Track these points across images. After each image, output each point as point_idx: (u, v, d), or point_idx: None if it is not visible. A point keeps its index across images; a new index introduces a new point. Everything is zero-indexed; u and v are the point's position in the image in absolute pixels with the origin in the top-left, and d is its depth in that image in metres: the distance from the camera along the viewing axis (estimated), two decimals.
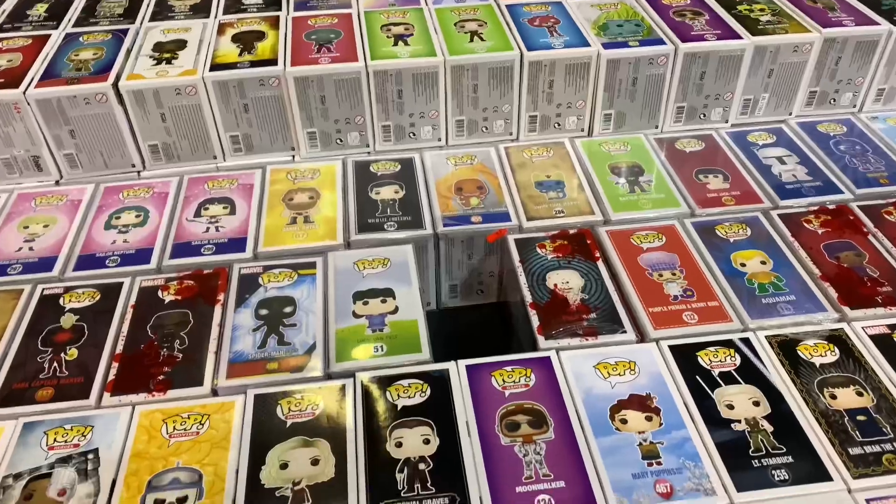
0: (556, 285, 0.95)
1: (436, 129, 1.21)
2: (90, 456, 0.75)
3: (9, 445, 0.76)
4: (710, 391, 0.81)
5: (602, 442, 0.76)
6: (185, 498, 0.71)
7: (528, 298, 0.92)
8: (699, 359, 0.85)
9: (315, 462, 0.74)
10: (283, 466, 0.74)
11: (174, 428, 0.77)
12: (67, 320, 0.90)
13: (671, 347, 0.86)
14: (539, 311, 0.91)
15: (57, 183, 1.15)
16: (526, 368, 0.83)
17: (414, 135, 1.21)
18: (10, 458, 0.75)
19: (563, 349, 0.86)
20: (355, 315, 0.91)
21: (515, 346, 1.03)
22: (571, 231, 1.04)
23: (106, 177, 1.15)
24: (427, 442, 0.76)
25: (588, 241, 1.02)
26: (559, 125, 1.24)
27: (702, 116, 1.27)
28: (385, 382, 0.82)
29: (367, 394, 0.81)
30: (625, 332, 0.88)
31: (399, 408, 0.79)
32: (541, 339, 0.87)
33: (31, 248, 1.00)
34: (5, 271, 0.96)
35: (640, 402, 0.80)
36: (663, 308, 0.92)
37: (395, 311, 0.91)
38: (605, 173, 1.16)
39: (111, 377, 0.83)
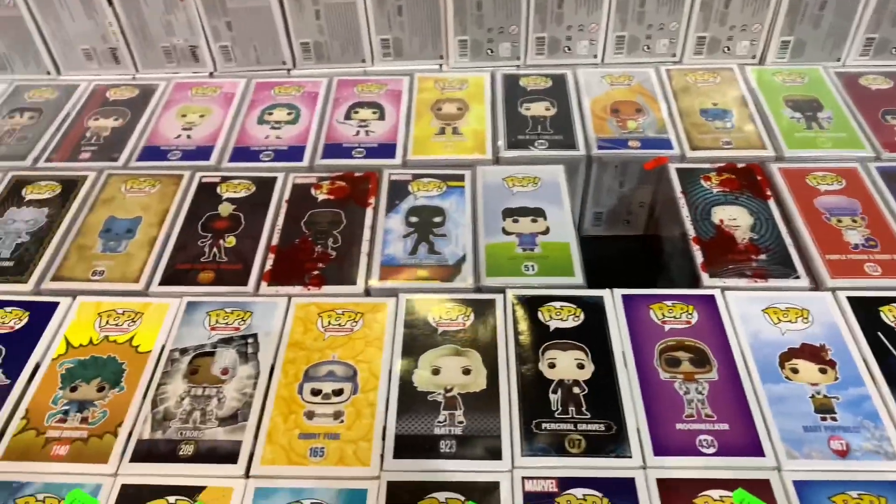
0: (721, 221, 0.88)
1: (593, 45, 1.13)
2: (250, 340, 0.78)
3: (174, 322, 0.80)
4: (893, 349, 0.75)
5: (770, 389, 0.71)
6: (341, 391, 0.73)
7: (691, 232, 0.87)
8: (882, 314, 0.78)
9: (466, 371, 0.74)
10: (436, 372, 0.74)
11: (329, 322, 0.79)
12: (225, 209, 0.93)
13: (850, 299, 0.79)
14: (703, 246, 0.85)
15: (211, 75, 1.17)
16: (688, 305, 0.79)
17: (569, 49, 1.14)
18: (176, 333, 0.79)
19: (729, 289, 0.80)
20: (505, 232, 0.88)
21: (663, 283, 0.98)
22: (740, 165, 0.96)
23: (257, 72, 1.16)
24: (581, 367, 0.74)
25: (758, 178, 0.94)
26: (729, 49, 1.14)
27: (893, 51, 1.13)
28: (537, 302, 0.80)
29: (518, 311, 0.79)
30: (798, 277, 0.82)
31: (552, 329, 0.77)
32: (705, 276, 0.82)
33: (188, 137, 1.03)
34: (165, 156, 1.00)
35: (813, 353, 0.75)
36: (842, 256, 0.84)
37: (546, 231, 0.88)
38: (779, 105, 1.05)
39: (268, 267, 0.85)
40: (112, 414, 0.72)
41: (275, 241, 0.88)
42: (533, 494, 0.64)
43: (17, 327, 0.80)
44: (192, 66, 1.17)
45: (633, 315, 0.78)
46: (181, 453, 0.69)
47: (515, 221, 0.89)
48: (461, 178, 0.96)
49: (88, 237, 0.89)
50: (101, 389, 0.74)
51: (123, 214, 0.92)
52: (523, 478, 0.65)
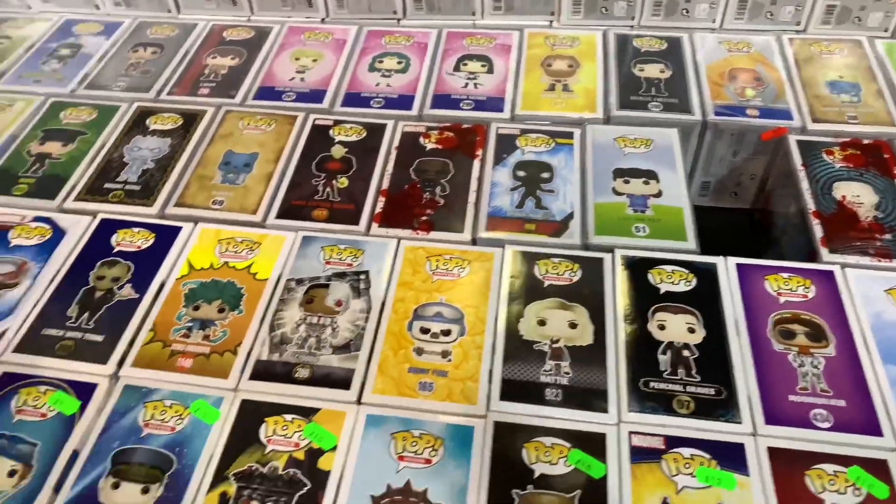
0: (843, 197, 0.85)
1: (713, 8, 1.10)
2: (362, 276, 0.81)
3: (290, 254, 0.84)
4: None
5: (891, 370, 0.69)
6: (449, 332, 0.75)
7: (811, 206, 0.84)
8: None
9: (573, 325, 0.75)
10: (541, 323, 0.75)
11: (437, 267, 0.81)
12: (337, 151, 0.95)
13: None
14: (823, 221, 0.83)
15: (322, 21, 1.19)
16: (805, 278, 0.77)
17: (687, 12, 1.11)
18: (292, 265, 0.82)
19: (850, 266, 0.78)
20: (615, 192, 0.88)
21: (770, 258, 0.96)
22: (865, 141, 0.92)
23: (367, 20, 1.18)
24: (692, 331, 0.73)
25: (885, 155, 0.90)
26: (859, 20, 1.08)
27: None
28: (647, 264, 0.79)
29: (627, 271, 0.79)
30: None
31: (662, 292, 0.77)
32: (824, 252, 0.80)
33: (302, 79, 1.06)
34: (280, 97, 1.03)
35: None
36: None
37: (659, 194, 0.87)
38: None
39: (378, 210, 0.88)
40: (232, 334, 0.76)
41: (385, 186, 0.90)
42: (639, 449, 0.65)
43: (144, 247, 0.85)
44: (305, 11, 1.19)
45: (747, 284, 0.77)
46: (297, 376, 0.72)
47: (626, 182, 0.89)
48: (570, 135, 0.95)
49: (208, 168, 0.93)
50: (221, 311, 0.78)
51: (241, 149, 0.96)
52: (630, 432, 0.66)
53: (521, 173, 0.91)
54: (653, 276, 0.78)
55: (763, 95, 0.99)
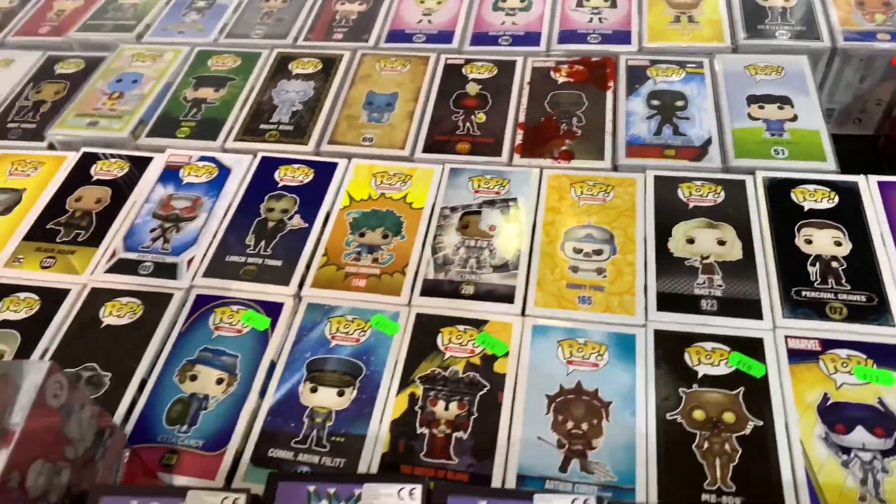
0: None
1: None
2: (511, 203, 0.87)
3: (440, 184, 0.90)
4: None
5: None
6: (601, 251, 0.81)
7: None
8: None
9: (721, 242, 0.79)
10: (690, 241, 0.80)
11: (581, 192, 0.86)
12: (472, 88, 1.00)
13: None
14: None
15: None
16: None
17: None
18: (444, 194, 0.89)
19: None
20: (751, 117, 0.91)
21: None
22: None
23: None
24: (838, 244, 0.77)
25: None
26: None
27: None
28: (789, 184, 0.83)
29: (770, 191, 0.83)
30: None
31: (806, 209, 0.81)
32: None
33: (429, 21, 1.11)
34: (410, 39, 1.09)
35: None
36: None
37: (794, 118, 0.89)
38: None
39: (518, 141, 0.93)
40: (397, 257, 0.84)
41: (521, 119, 0.96)
42: (796, 351, 0.70)
43: (305, 182, 0.93)
44: None
45: (890, 201, 0.80)
46: (463, 292, 0.80)
47: (761, 108, 0.91)
48: (700, 64, 0.98)
49: (353, 108, 1.00)
50: (385, 237, 0.86)
51: (381, 90, 1.02)
52: (786, 336, 0.71)
53: (655, 102, 0.94)
54: (795, 196, 0.82)
55: (893, 20, 0.99)
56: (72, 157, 1.00)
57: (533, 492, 0.55)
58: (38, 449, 0.55)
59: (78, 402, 0.60)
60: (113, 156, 0.98)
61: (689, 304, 0.75)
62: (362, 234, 0.86)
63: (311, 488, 0.59)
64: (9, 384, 0.56)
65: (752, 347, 0.71)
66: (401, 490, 0.60)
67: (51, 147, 1.03)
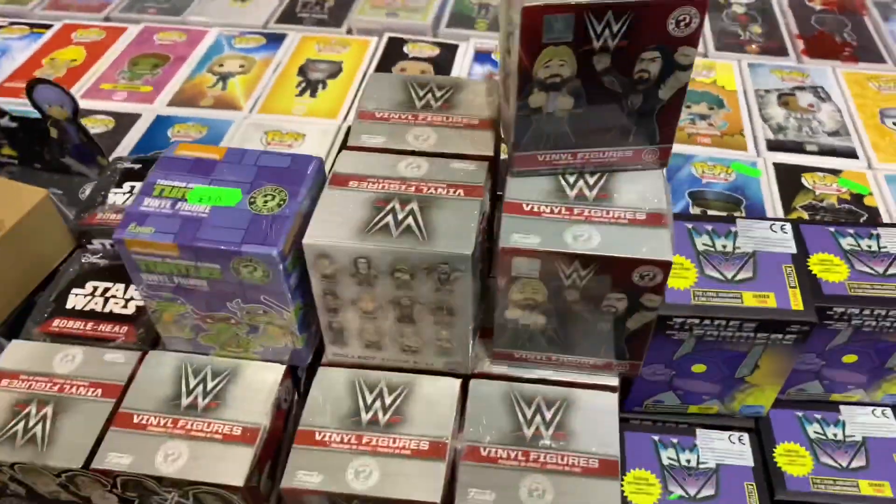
0: None
1: None
2: (819, 89, 0.98)
3: (742, 74, 1.01)
4: None
5: None
6: None
7: None
8: None
9: None
10: None
11: (879, 85, 0.98)
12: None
13: None
14: None
15: None
16: None
17: None
18: (751, 82, 1.00)
19: None
20: None
21: None
22: None
23: None
24: None
25: None
26: None
27: None
28: None
29: None
30: None
31: None
32: None
33: None
34: None
35: None
36: None
37: None
38: None
39: (801, 47, 1.06)
40: (730, 125, 0.92)
41: (796, 32, 1.09)
42: None
43: None
44: None
45: None
46: (807, 149, 0.89)
47: None
48: None
49: None
50: (710, 108, 0.95)
51: None
52: None
53: None
54: None
55: None
56: (376, 41, 1.06)
57: None
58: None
59: None
60: (421, 41, 1.05)
61: None
62: (688, 107, 0.95)
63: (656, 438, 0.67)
64: None
65: None
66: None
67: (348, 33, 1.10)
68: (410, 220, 0.52)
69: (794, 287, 0.60)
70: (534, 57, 0.49)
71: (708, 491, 0.64)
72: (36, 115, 0.73)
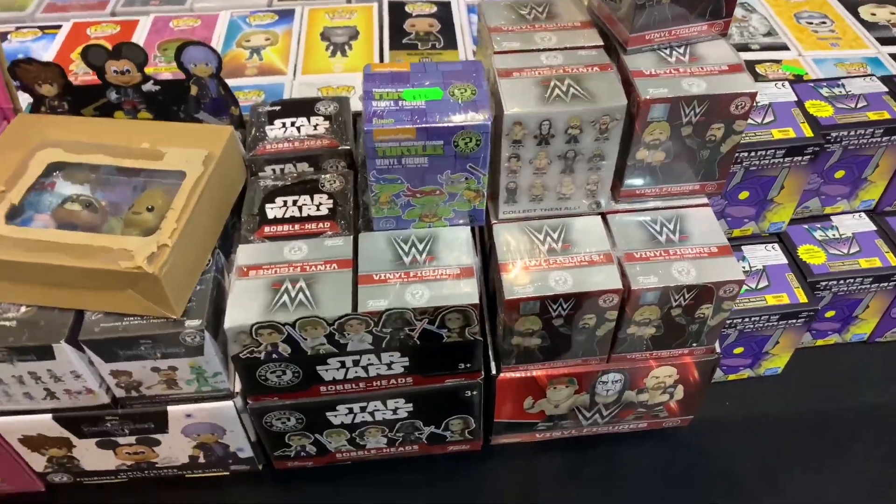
0: None
1: None
2: None
3: None
4: None
5: None
6: None
7: None
8: None
9: None
10: None
11: None
12: None
13: None
14: None
15: None
16: None
17: None
18: None
19: None
20: None
21: None
22: None
23: None
24: None
25: None
26: None
27: None
28: None
29: None
30: None
31: None
32: None
33: None
34: None
35: None
36: None
37: None
38: None
39: None
40: None
41: None
42: None
43: None
44: None
45: None
46: (753, 49, 1.18)
47: None
48: None
49: None
50: None
51: None
52: None
53: None
54: None
55: None
56: (377, 6, 1.24)
57: None
58: None
59: None
60: (419, 0, 1.24)
61: None
62: None
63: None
64: None
65: None
66: None
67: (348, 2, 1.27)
68: (574, 89, 0.73)
69: (804, 122, 0.88)
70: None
71: (763, 283, 0.90)
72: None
